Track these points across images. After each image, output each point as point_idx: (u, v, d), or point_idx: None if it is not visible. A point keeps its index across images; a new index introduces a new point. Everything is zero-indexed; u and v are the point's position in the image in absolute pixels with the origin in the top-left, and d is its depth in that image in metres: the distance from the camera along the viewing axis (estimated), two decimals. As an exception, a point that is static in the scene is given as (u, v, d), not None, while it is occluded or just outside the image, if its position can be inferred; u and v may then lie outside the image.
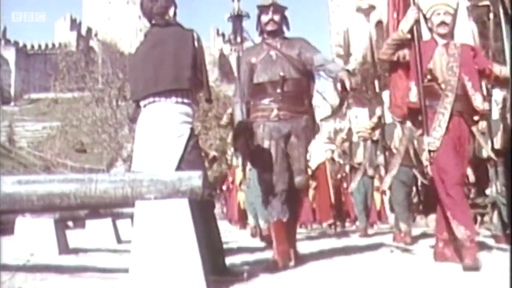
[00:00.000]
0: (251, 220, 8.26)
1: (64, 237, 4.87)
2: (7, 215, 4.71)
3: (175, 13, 3.36)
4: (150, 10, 3.32)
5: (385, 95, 6.30)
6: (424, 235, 6.90)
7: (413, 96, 3.74)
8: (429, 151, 3.65)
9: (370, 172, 7.92)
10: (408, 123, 5.87)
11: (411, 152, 5.88)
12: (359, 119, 8.31)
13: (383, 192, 9.03)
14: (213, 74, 36.99)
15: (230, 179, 10.85)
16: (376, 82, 6.65)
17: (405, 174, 5.75)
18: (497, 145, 5.68)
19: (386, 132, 6.34)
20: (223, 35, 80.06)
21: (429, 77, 3.70)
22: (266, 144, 3.68)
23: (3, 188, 2.61)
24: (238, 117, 3.87)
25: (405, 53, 3.82)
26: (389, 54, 3.91)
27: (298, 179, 3.70)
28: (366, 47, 11.54)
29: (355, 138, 8.44)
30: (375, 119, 6.69)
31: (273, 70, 3.73)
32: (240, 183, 8.73)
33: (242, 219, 10.86)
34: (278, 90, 3.69)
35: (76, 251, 4.79)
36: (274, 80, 3.71)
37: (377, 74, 6.88)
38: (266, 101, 3.74)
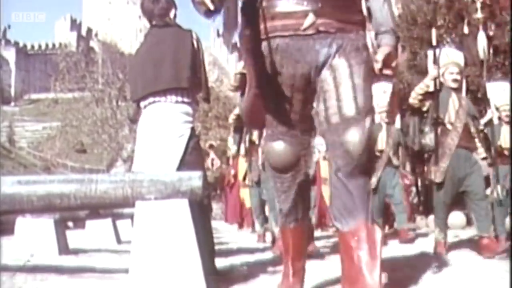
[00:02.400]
0: (257, 226, 6.89)
1: (64, 238, 4.87)
2: (7, 216, 4.70)
3: (175, 15, 3.37)
4: (151, 11, 3.33)
5: (446, 51, 4.92)
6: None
7: None
8: None
9: (396, 161, 6.48)
10: (463, 93, 4.71)
11: (472, 130, 4.67)
12: (387, 96, 6.40)
13: (407, 188, 7.41)
14: (213, 74, 36.96)
15: (232, 172, 9.41)
16: (434, 31, 4.98)
17: (463, 160, 4.64)
18: (506, 144, 5.15)
19: (441, 101, 4.73)
20: (223, 35, 80.00)
21: None
22: (285, 84, 2.15)
23: (3, 189, 2.61)
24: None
25: None
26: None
27: (349, 134, 2.03)
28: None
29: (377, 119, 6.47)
30: (428, 81, 4.78)
31: None
32: (245, 177, 7.24)
33: (245, 220, 9.58)
34: None
35: (76, 251, 4.79)
36: None
37: (436, 21, 5.35)
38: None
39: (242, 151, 6.44)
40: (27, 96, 72.08)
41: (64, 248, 4.73)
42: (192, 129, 3.22)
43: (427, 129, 4.84)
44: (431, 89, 4.72)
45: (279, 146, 2.26)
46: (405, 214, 6.52)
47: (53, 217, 4.66)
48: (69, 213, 5.03)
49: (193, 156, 3.16)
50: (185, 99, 3.19)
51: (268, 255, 4.20)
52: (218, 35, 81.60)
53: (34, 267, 3.48)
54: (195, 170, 2.74)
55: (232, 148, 7.60)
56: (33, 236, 4.59)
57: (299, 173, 2.30)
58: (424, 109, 4.86)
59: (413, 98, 4.82)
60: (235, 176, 9.16)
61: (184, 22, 3.52)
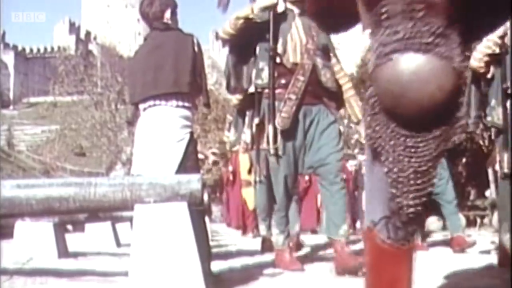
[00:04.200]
0: (262, 230, 5.28)
1: (64, 241, 4.86)
2: (7, 219, 4.70)
3: (174, 14, 3.38)
4: (147, 15, 3.35)
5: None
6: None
7: None
8: None
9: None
10: None
11: None
12: None
13: None
14: (212, 77, 37.02)
15: (230, 168, 8.44)
16: None
17: None
18: None
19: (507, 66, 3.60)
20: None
21: None
22: None
23: (2, 192, 2.61)
24: None
25: None
26: None
27: None
28: None
29: None
30: (496, 38, 3.53)
31: None
32: (250, 170, 5.88)
33: (248, 224, 8.40)
34: None
35: (75, 254, 4.78)
36: None
37: None
38: None
39: (248, 138, 4.66)
40: (26, 99, 72.11)
41: (63, 252, 4.73)
42: (191, 133, 3.23)
43: (493, 102, 3.64)
44: (497, 50, 3.60)
45: (420, 62, 1.03)
46: (460, 215, 5.25)
47: (52, 221, 4.66)
48: (69, 217, 5.02)
49: (191, 161, 3.17)
50: (185, 104, 3.20)
51: (268, 257, 4.19)
52: (217, 38, 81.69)
53: (34, 270, 3.48)
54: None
55: (231, 136, 5.93)
56: (33, 239, 4.58)
57: (452, 131, 1.11)
58: (489, 76, 3.69)
59: (479, 60, 3.63)
60: (234, 173, 8.35)
61: (182, 24, 3.53)
